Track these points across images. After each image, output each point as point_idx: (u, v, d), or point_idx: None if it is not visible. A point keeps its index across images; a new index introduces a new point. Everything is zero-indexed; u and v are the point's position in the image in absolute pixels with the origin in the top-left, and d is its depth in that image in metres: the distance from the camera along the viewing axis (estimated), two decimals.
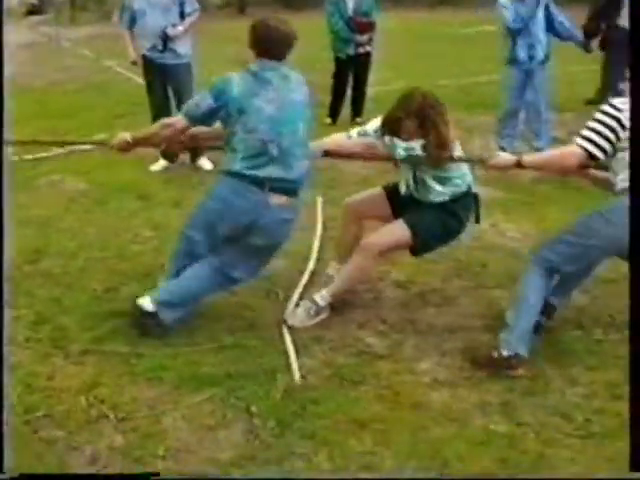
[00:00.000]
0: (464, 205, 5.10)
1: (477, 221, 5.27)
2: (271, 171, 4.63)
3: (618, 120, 4.34)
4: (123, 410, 4.08)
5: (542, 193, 7.47)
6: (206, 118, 4.73)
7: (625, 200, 4.16)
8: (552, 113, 9.03)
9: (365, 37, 10.54)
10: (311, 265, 5.63)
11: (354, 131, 5.26)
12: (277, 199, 4.67)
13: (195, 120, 4.75)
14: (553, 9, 8.62)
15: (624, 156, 4.30)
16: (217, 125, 4.84)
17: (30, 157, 9.26)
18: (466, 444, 3.79)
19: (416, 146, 4.89)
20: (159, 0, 8.39)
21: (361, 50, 10.64)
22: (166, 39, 8.37)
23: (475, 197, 5.19)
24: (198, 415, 4.03)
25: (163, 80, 8.59)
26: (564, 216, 4.93)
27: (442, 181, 4.98)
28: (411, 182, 5.07)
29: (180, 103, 8.20)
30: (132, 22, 8.64)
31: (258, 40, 4.67)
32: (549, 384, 4.27)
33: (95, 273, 5.41)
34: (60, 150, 9.40)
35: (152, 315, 4.80)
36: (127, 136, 5.08)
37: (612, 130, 4.35)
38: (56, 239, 6.59)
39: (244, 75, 4.66)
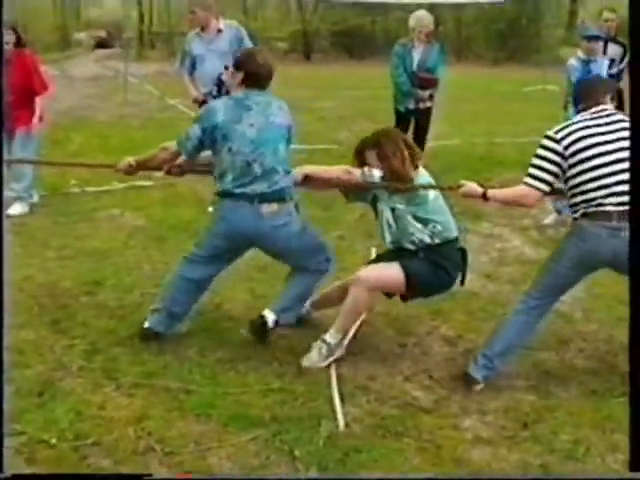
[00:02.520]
0: (451, 258, 5.19)
1: (462, 283, 5.39)
2: (256, 187, 5.06)
3: (555, 152, 4.67)
4: (170, 444, 4.15)
5: None
6: (196, 148, 5.17)
7: (580, 223, 4.63)
8: None
9: (427, 93, 10.49)
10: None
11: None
12: (268, 208, 5.05)
13: (186, 150, 5.19)
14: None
15: (573, 183, 4.66)
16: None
17: (92, 189, 9.48)
18: None
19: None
20: (217, 46, 8.51)
21: (421, 105, 10.59)
22: (221, 85, 8.43)
23: (464, 254, 5.31)
24: (243, 455, 4.09)
25: None
26: (616, 279, 4.96)
27: (420, 220, 5.09)
28: (392, 221, 5.16)
29: None
30: (193, 68, 8.78)
31: (248, 74, 5.14)
32: (590, 449, 4.26)
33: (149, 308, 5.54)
34: (121, 184, 9.61)
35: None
36: (131, 160, 5.52)
37: (553, 163, 4.68)
38: (113, 273, 6.76)
39: (227, 102, 5.18)
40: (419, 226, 5.07)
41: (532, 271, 6.92)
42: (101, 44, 44.47)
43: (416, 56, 10.44)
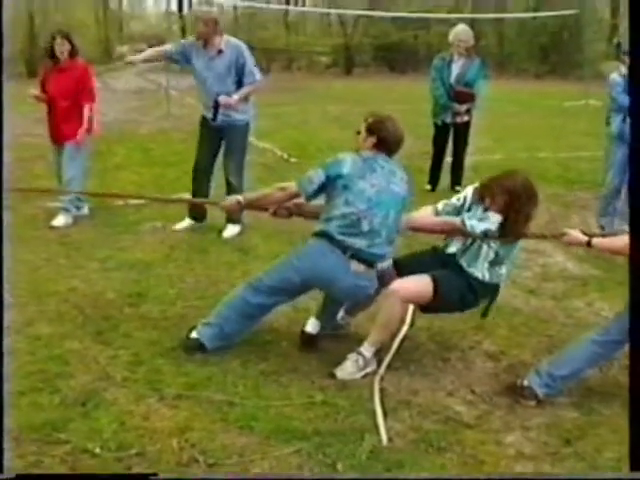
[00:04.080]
0: (484, 291, 5.34)
1: (484, 315, 5.55)
2: (357, 242, 5.15)
3: None
4: (213, 456, 4.17)
5: None
6: (317, 192, 5.26)
7: None
8: None
9: (464, 107, 10.52)
10: (404, 329, 5.70)
11: (440, 204, 5.53)
12: (356, 266, 5.14)
13: (307, 194, 5.27)
14: None
15: None
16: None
17: (133, 202, 9.54)
18: None
19: (493, 226, 5.14)
20: (215, 68, 8.19)
21: (458, 119, 10.64)
22: (217, 107, 8.21)
23: (496, 292, 5.43)
24: (286, 467, 4.10)
25: (216, 139, 8.50)
26: None
27: (495, 260, 5.23)
28: (468, 243, 5.27)
29: (225, 166, 8.46)
30: (171, 59, 8.62)
31: (380, 139, 5.28)
32: None
33: (192, 320, 5.57)
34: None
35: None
36: (239, 197, 5.63)
37: None
38: (156, 284, 6.81)
39: (355, 158, 5.24)
40: (487, 265, 5.23)
41: (575, 287, 6.96)
42: None
43: (455, 70, 10.53)
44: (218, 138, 8.48)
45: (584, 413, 4.80)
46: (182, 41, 8.79)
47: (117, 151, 13.47)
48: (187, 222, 8.68)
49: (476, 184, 5.42)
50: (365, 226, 5.12)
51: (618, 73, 8.80)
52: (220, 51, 8.19)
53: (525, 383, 4.94)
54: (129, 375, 5.06)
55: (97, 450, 4.17)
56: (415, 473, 4.07)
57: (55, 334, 5.63)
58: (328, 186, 5.20)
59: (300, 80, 32.22)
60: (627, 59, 8.57)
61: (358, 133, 5.35)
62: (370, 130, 5.30)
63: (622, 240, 4.78)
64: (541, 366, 5.00)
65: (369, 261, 5.19)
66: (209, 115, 8.35)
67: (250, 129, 8.64)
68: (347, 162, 5.19)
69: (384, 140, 5.28)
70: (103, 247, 7.88)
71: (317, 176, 5.20)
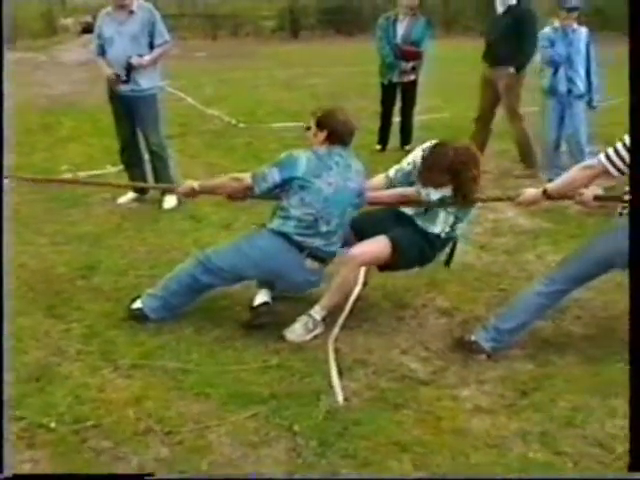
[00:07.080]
0: (442, 245, 5.44)
1: (447, 264, 5.63)
2: (315, 242, 5.18)
3: None
4: (169, 424, 4.16)
5: (590, 225, 7.37)
6: (270, 190, 5.19)
7: (624, 220, 4.46)
8: (597, 146, 8.57)
9: (410, 65, 10.56)
10: (357, 290, 5.70)
11: (392, 170, 5.61)
12: (311, 264, 5.18)
13: (261, 190, 5.21)
14: (592, 53, 8.72)
15: None
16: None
17: (84, 174, 9.43)
18: (504, 471, 3.82)
19: (447, 192, 5.23)
20: (128, 29, 8.03)
21: (405, 78, 10.67)
22: (130, 69, 8.02)
23: (454, 243, 5.52)
24: (242, 432, 4.11)
25: (129, 112, 8.32)
26: None
27: (455, 222, 5.33)
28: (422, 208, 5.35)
29: (145, 137, 8.41)
30: (102, 50, 8.25)
31: (331, 132, 5.21)
32: (590, 415, 4.28)
33: (145, 290, 5.53)
34: (113, 168, 9.58)
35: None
36: (194, 184, 5.56)
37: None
38: (107, 256, 6.75)
39: (310, 156, 5.16)
40: (447, 228, 5.32)
41: (527, 241, 7.01)
42: (87, 29, 44.10)
43: (400, 29, 10.56)
44: (130, 110, 8.29)
45: (538, 365, 4.85)
46: (96, 28, 8.44)
47: (65, 123, 13.29)
48: (131, 195, 8.57)
49: (425, 145, 5.42)
50: (323, 227, 5.13)
51: (550, 27, 8.81)
52: (132, 12, 8.04)
53: (472, 338, 4.98)
54: (83, 348, 5.04)
55: (52, 425, 4.15)
56: (372, 431, 4.09)
57: (6, 311, 5.56)
58: (285, 187, 5.16)
59: (247, 45, 31.95)
60: (562, 13, 8.59)
61: (308, 129, 5.30)
62: (320, 124, 5.24)
63: (572, 171, 4.80)
64: (488, 321, 5.05)
65: (324, 258, 5.24)
66: (120, 80, 8.09)
67: (158, 99, 8.43)
68: (302, 162, 5.12)
69: (335, 132, 5.22)
70: (52, 221, 7.79)
71: (271, 175, 5.13)
